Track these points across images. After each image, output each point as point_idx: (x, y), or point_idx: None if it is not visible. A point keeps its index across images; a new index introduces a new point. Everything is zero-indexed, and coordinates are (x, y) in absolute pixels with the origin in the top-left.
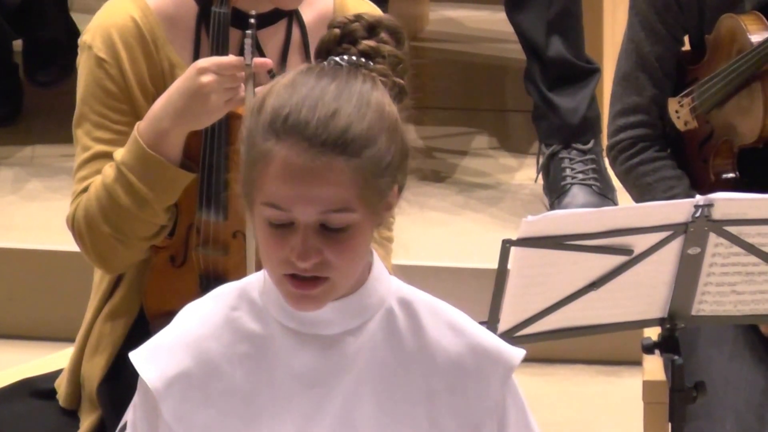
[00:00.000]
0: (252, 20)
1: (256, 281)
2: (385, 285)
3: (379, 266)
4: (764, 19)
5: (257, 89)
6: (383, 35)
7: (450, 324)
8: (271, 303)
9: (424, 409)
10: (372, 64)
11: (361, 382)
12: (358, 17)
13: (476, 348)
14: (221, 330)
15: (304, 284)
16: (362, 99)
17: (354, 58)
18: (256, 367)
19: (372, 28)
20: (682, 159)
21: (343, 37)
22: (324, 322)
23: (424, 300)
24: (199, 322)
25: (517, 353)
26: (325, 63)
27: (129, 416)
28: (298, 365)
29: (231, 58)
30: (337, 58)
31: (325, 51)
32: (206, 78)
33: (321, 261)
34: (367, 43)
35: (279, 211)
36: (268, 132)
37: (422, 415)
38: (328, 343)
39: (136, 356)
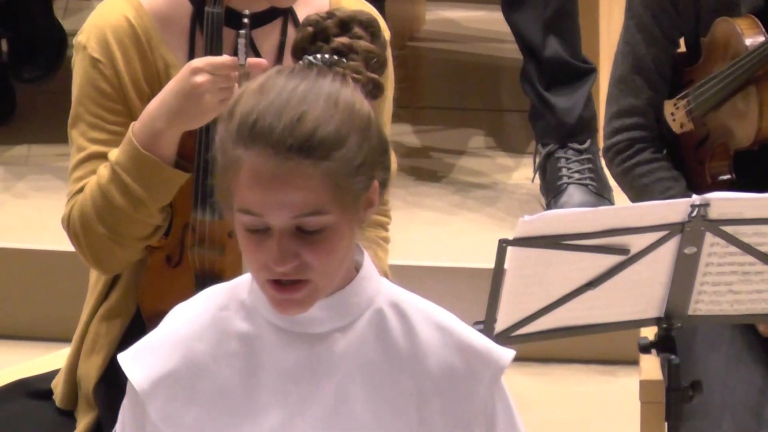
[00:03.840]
0: (245, 20)
1: (245, 281)
2: (375, 285)
3: (368, 266)
4: (759, 22)
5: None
6: (357, 30)
7: (440, 325)
8: (260, 302)
9: (414, 409)
10: (345, 61)
11: (349, 380)
12: (330, 14)
13: (466, 349)
14: (209, 330)
15: (286, 289)
16: (330, 99)
17: (327, 56)
18: (244, 365)
19: (344, 24)
20: (678, 160)
21: (316, 35)
22: (312, 320)
23: (413, 301)
24: (187, 322)
25: (507, 354)
26: (300, 62)
27: (119, 418)
28: (287, 362)
29: (225, 58)
30: (311, 58)
31: (300, 50)
32: (200, 78)
33: (299, 264)
34: (340, 41)
35: (253, 217)
36: (236, 139)
37: (413, 414)
38: (316, 341)
39: (123, 358)
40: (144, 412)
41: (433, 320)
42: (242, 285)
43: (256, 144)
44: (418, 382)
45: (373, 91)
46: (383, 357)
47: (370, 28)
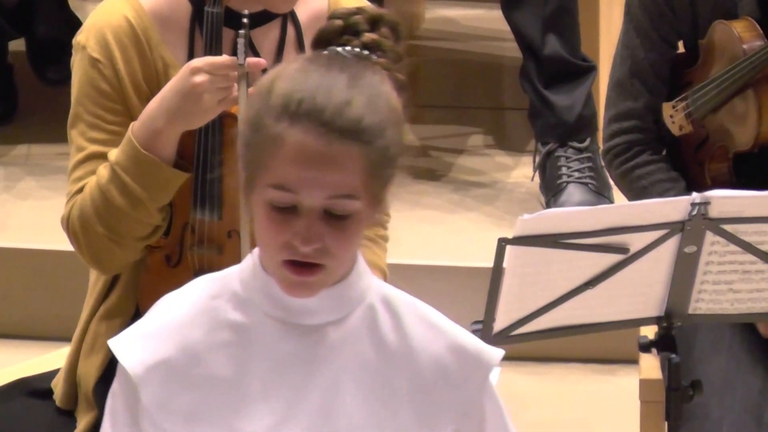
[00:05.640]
0: (244, 20)
1: (237, 272)
2: (367, 281)
3: (362, 262)
4: (756, 25)
5: (251, 89)
6: (384, 30)
7: (430, 323)
8: (255, 291)
9: (407, 404)
10: (374, 57)
11: (342, 373)
12: (359, 10)
13: (457, 348)
14: (201, 318)
15: (302, 271)
16: (374, 90)
17: (356, 49)
18: (237, 354)
19: (374, 22)
20: (678, 162)
21: (345, 29)
22: (307, 311)
23: (404, 299)
24: (180, 310)
25: (497, 353)
26: (326, 52)
27: (108, 404)
28: (280, 353)
29: (224, 58)
30: (339, 49)
31: (325, 41)
32: (199, 78)
33: (322, 247)
34: (370, 36)
35: (285, 194)
36: (280, 115)
37: (406, 409)
38: (310, 333)
39: (115, 343)
40: (137, 399)
41: (424, 318)
42: (233, 276)
43: (303, 121)
44: (409, 378)
45: (399, 90)
46: (375, 353)
47: (395, 30)
